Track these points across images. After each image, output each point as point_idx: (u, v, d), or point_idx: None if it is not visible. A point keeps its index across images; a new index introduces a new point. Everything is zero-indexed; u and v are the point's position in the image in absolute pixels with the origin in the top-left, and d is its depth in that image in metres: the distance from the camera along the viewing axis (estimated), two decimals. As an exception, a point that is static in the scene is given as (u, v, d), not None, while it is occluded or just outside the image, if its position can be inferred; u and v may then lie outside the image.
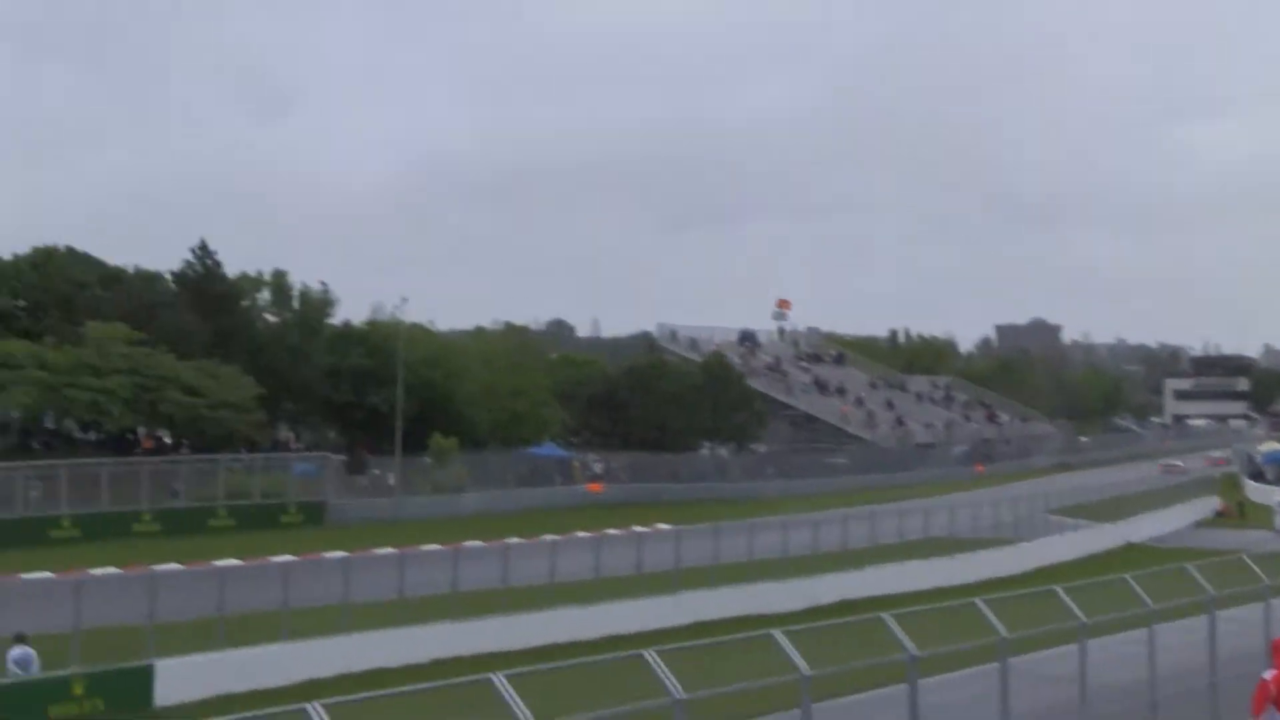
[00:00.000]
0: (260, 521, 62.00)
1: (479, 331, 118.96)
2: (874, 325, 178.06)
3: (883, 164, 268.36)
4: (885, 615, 26.09)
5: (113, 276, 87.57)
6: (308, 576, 38.77)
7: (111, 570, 45.62)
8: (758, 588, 44.34)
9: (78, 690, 29.97)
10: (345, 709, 15.30)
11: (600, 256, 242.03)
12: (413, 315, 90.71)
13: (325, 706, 15.03)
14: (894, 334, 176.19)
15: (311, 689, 27.46)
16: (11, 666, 29.49)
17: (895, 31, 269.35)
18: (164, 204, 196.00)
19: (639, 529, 56.18)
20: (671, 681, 19.79)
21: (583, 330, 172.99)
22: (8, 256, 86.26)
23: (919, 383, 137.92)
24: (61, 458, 63.47)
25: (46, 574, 45.23)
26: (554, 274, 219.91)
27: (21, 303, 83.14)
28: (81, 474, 59.43)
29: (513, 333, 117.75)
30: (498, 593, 40.41)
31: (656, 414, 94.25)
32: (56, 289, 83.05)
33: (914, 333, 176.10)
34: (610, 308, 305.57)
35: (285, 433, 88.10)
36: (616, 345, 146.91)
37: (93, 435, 73.84)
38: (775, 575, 46.42)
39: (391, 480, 73.07)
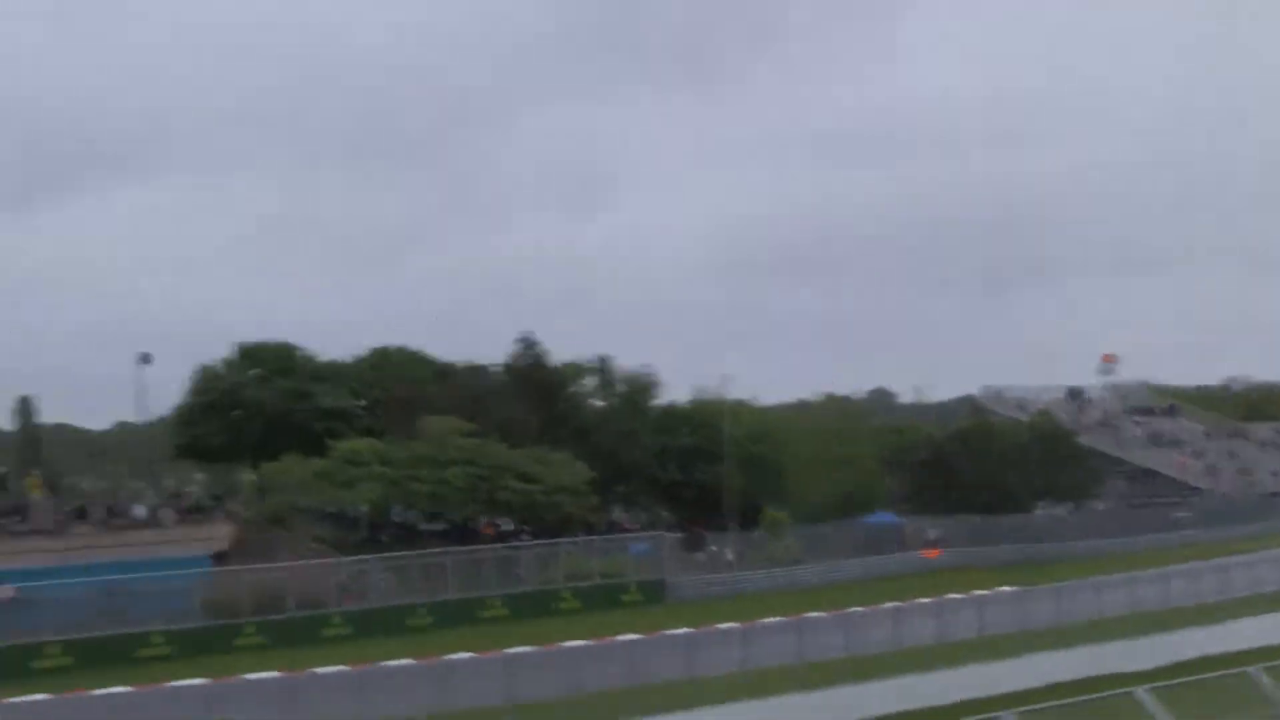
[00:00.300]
0: (602, 602, 62.90)
1: (802, 405, 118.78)
2: (1205, 375, 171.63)
3: (1205, 212, 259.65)
4: (1252, 670, 25.26)
5: (444, 372, 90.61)
6: (654, 653, 39.26)
7: (466, 655, 46.86)
8: (1110, 646, 43.14)
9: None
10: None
11: (921, 322, 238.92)
12: (736, 392, 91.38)
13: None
14: (1229, 382, 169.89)
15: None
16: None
17: (1216, 80, 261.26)
18: (489, 299, 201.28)
19: (980, 592, 55.28)
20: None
21: (905, 397, 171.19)
22: (348, 360, 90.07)
23: (1262, 430, 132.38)
24: (408, 548, 65.52)
25: (407, 661, 46.76)
26: (874, 343, 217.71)
27: (362, 402, 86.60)
28: (430, 563, 61.26)
29: (835, 403, 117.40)
30: (844, 661, 40.36)
31: (988, 476, 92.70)
32: (393, 387, 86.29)
33: (1251, 379, 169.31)
34: (933, 373, 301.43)
35: (619, 514, 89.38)
36: (941, 410, 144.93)
37: (436, 525, 76.01)
38: (1127, 633, 45.15)
39: (728, 555, 73.38)
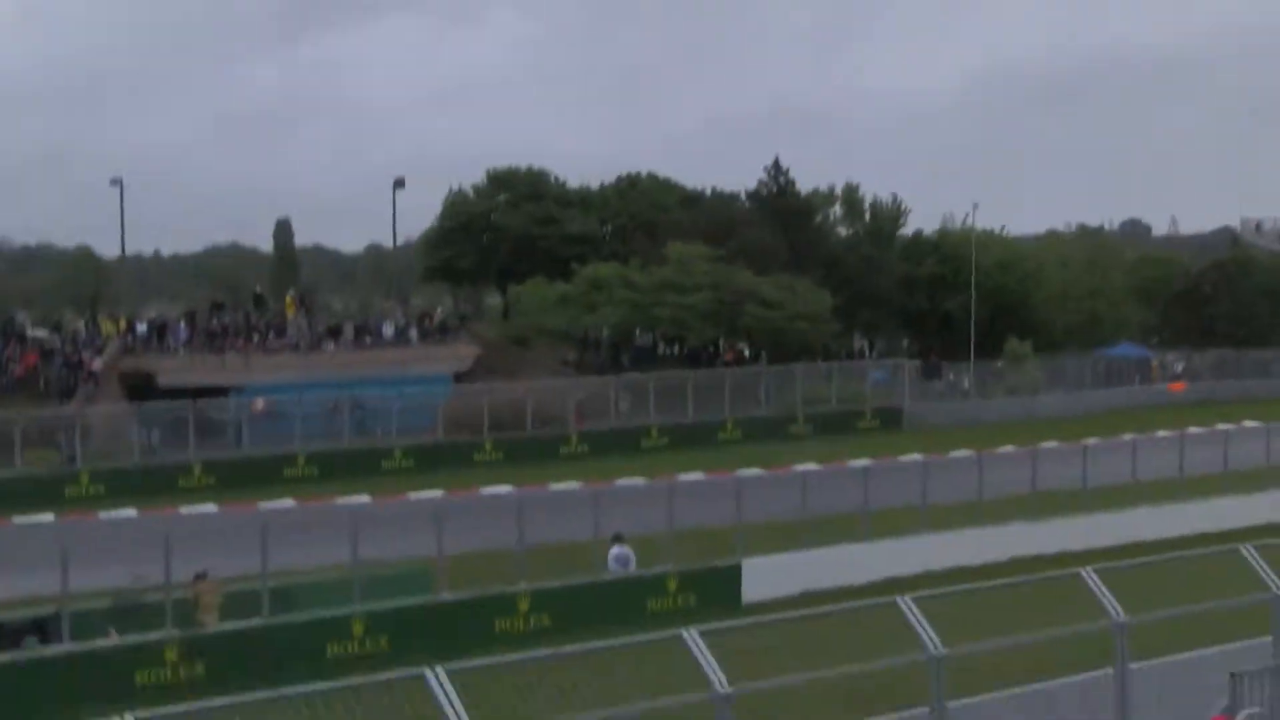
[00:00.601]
0: (837, 428, 62.37)
1: (1051, 235, 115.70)
2: None
3: None
4: None
5: (691, 199, 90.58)
6: (886, 479, 38.65)
7: (698, 475, 46.95)
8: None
9: (671, 586, 31.15)
10: (931, 603, 15.07)
11: (1177, 153, 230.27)
12: (984, 221, 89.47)
13: (914, 600, 14.87)
14: None
15: (893, 586, 27.48)
16: (612, 565, 30.91)
17: None
18: (738, 128, 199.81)
19: (1224, 426, 53.30)
20: (1269, 575, 18.66)
21: (1159, 229, 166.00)
22: (595, 187, 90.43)
23: None
24: (647, 371, 65.80)
25: (638, 480, 47.08)
26: (1128, 174, 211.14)
27: (609, 228, 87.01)
28: (668, 386, 61.40)
29: (1087, 235, 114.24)
30: (1077, 493, 39.37)
31: (1243, 310, 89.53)
32: (640, 214, 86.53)
33: None
34: (1188, 205, 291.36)
35: (860, 341, 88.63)
36: (1196, 241, 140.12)
37: (676, 349, 76.17)
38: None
39: (966, 385, 72.28)
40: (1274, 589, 18.07)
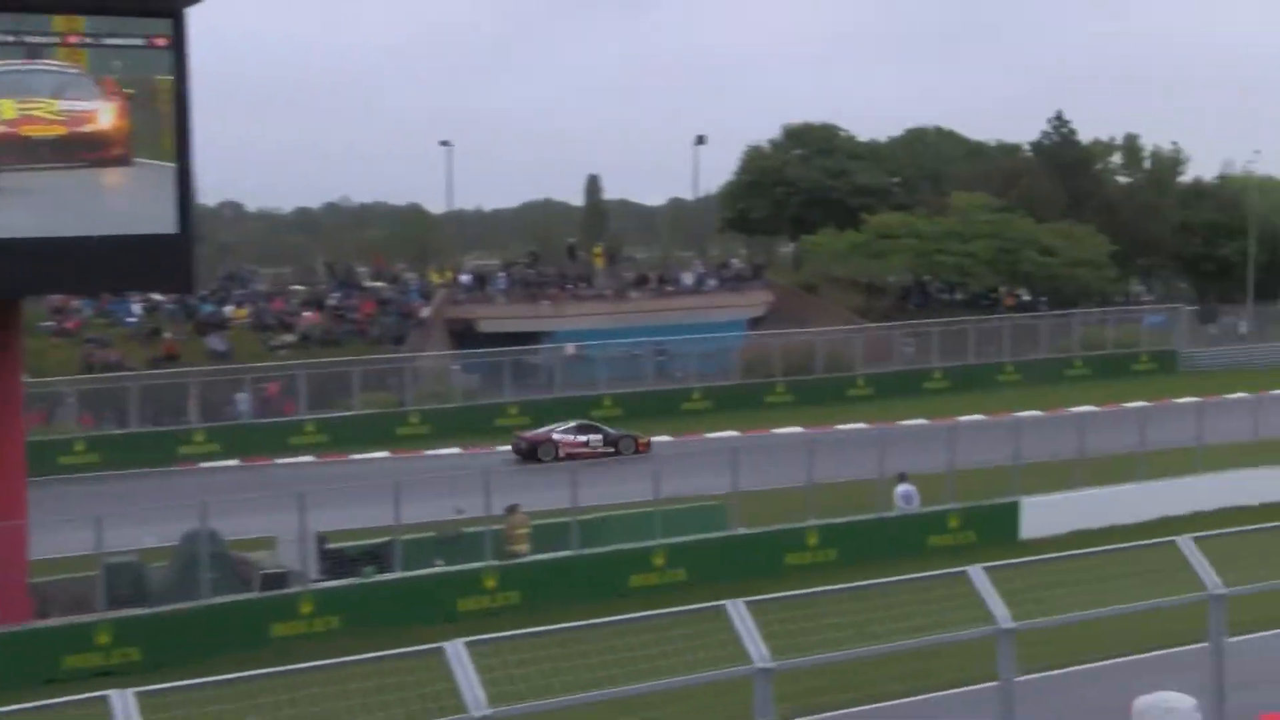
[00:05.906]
0: (1113, 371, 60.40)
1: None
2: None
3: None
4: None
5: (975, 151, 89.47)
6: (1161, 421, 37.51)
7: (978, 417, 46.33)
8: None
9: (953, 524, 30.97)
10: (1208, 543, 14.50)
11: None
12: (1265, 168, 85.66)
13: (1195, 540, 14.30)
14: None
15: (1165, 526, 26.87)
16: (899, 502, 30.81)
17: None
18: (1024, 82, 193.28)
19: None
20: None
21: None
22: (883, 139, 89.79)
23: None
24: (930, 317, 64.90)
25: (921, 421, 46.70)
26: None
27: (896, 179, 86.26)
28: (950, 331, 60.39)
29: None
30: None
31: None
32: (926, 165, 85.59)
33: None
34: None
35: (1136, 286, 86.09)
36: None
37: (958, 295, 75.00)
38: None
39: (1243, 329, 69.48)
40: None
